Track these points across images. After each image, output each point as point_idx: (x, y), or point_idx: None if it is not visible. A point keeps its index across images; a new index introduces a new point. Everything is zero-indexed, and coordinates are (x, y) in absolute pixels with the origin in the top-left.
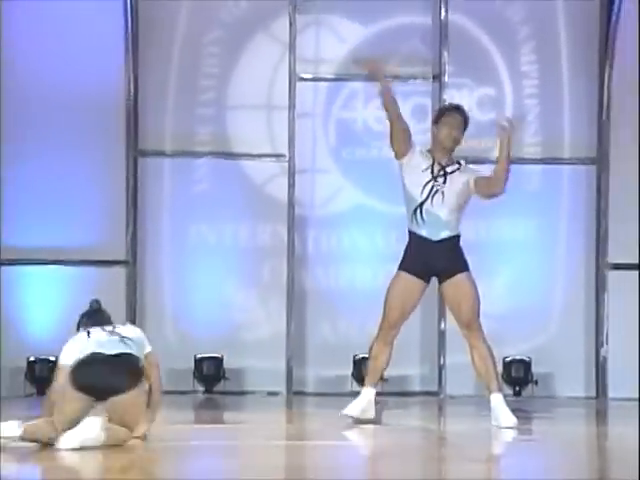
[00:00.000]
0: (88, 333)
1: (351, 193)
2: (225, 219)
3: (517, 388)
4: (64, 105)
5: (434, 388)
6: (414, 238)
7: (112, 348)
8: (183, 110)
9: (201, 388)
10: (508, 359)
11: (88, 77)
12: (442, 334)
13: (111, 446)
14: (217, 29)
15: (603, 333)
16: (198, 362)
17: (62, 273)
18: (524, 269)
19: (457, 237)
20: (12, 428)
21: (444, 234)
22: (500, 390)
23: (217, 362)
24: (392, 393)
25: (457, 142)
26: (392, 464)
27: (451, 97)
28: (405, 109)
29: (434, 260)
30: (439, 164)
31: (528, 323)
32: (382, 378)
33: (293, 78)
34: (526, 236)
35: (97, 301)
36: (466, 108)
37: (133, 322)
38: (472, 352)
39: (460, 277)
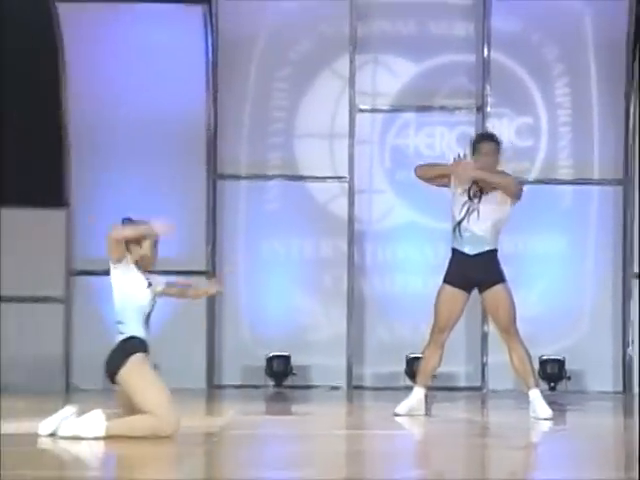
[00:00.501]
0: None
1: (404, 211)
2: (293, 234)
3: (552, 384)
4: (153, 133)
5: (478, 383)
6: (455, 253)
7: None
8: (256, 138)
9: (271, 383)
10: (544, 358)
11: (174, 110)
12: (485, 336)
13: (182, 435)
14: (286, 67)
15: (629, 335)
16: (269, 360)
17: None
18: (558, 278)
19: (494, 251)
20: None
21: (481, 249)
22: (537, 385)
23: (286, 360)
24: (440, 388)
25: (494, 168)
26: (441, 450)
27: (493, 126)
28: (451, 137)
29: (473, 273)
30: (477, 185)
31: (562, 326)
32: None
33: (353, 109)
34: (560, 249)
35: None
36: (506, 135)
37: (212, 324)
38: (510, 354)
39: (498, 288)
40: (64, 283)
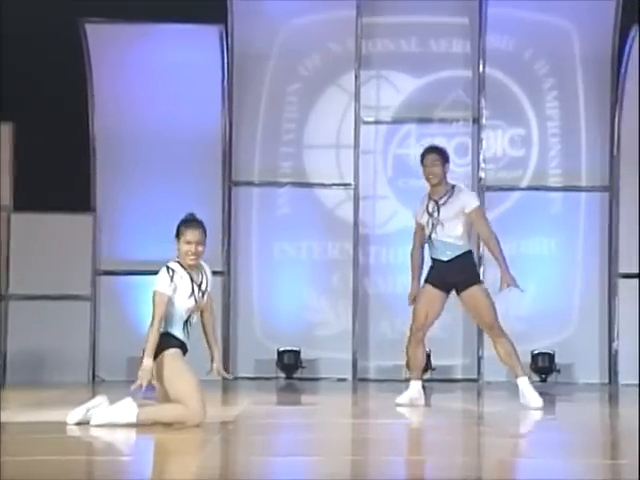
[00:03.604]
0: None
1: (405, 215)
2: (302, 237)
3: (543, 376)
4: (173, 144)
5: (474, 376)
6: (434, 261)
7: None
8: (268, 148)
9: (282, 375)
10: (535, 352)
11: (192, 122)
12: (480, 331)
13: (201, 424)
14: (296, 82)
15: (614, 330)
16: (280, 354)
17: None
18: (549, 278)
19: (467, 253)
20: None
21: (452, 254)
22: (525, 374)
23: (296, 354)
24: (438, 380)
25: (438, 176)
26: (438, 437)
27: (487, 137)
28: (449, 147)
29: (448, 276)
30: (433, 200)
31: (552, 322)
32: (431, 368)
33: (358, 121)
34: (550, 251)
35: (192, 214)
36: (500, 145)
37: (227, 320)
38: (497, 347)
39: (474, 289)
40: (91, 283)
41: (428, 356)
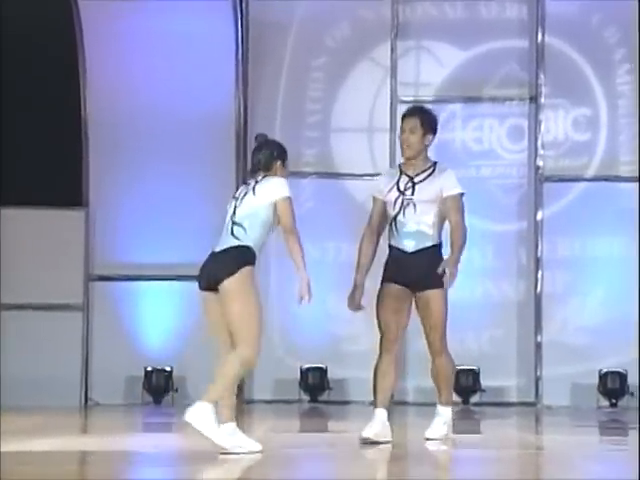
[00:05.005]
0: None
1: None
2: (328, 236)
3: (613, 400)
4: (178, 129)
5: (531, 399)
6: (392, 250)
7: (221, 244)
8: (290, 133)
9: (306, 397)
10: (604, 371)
11: (201, 103)
12: (538, 346)
13: (210, 453)
14: (322, 55)
15: None
16: (304, 372)
17: (175, 288)
18: (619, 284)
19: (435, 247)
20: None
21: (418, 245)
22: (447, 404)
23: (321, 372)
24: (489, 403)
25: (414, 148)
26: (491, 471)
27: (547, 118)
28: (502, 130)
29: (409, 271)
30: (406, 175)
31: (623, 336)
32: (480, 390)
33: (394, 101)
34: (621, 252)
35: (259, 135)
36: (562, 128)
37: None
38: (434, 364)
39: (430, 294)
40: (83, 289)
41: (477, 375)
